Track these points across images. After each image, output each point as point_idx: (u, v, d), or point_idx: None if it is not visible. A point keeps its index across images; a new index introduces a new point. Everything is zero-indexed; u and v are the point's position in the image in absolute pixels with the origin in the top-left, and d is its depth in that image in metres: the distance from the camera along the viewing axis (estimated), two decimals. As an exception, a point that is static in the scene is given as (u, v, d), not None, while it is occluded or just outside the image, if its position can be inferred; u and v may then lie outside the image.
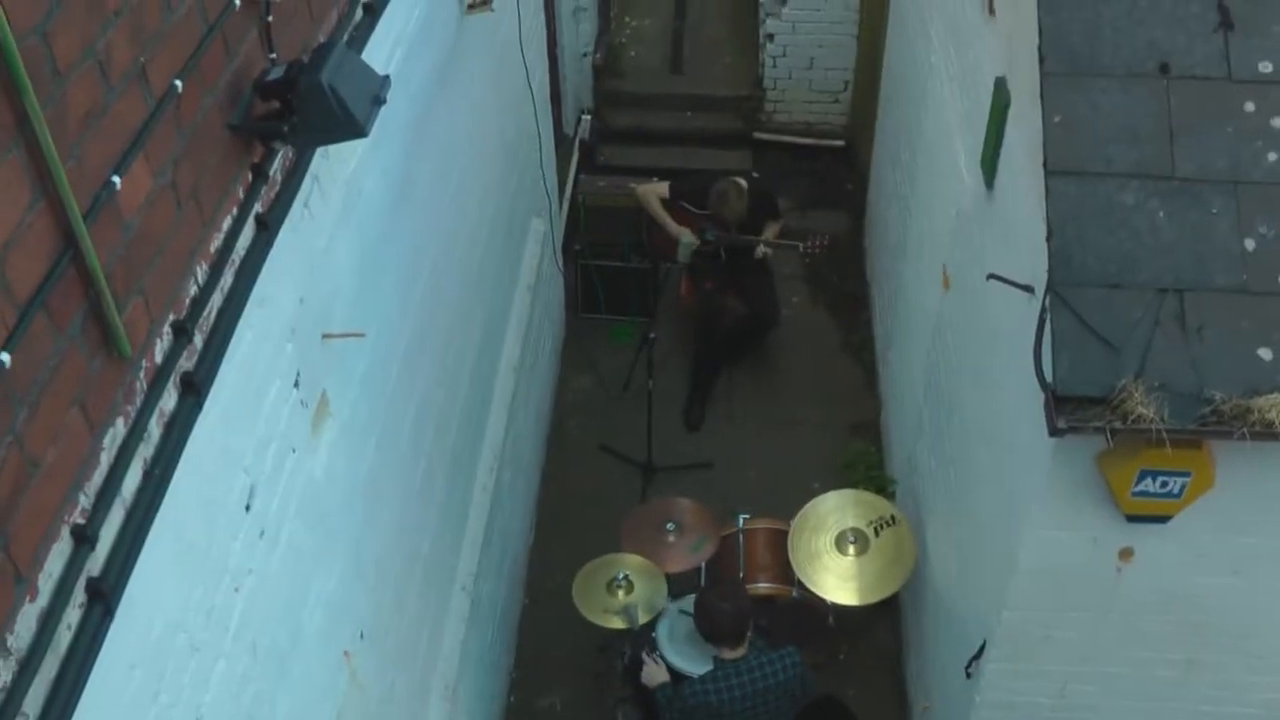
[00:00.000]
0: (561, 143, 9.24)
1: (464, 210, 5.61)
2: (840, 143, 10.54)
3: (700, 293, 8.40)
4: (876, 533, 6.07)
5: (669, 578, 6.10)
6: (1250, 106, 3.81)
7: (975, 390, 5.33)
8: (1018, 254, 4.36)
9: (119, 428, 2.33)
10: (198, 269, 2.69)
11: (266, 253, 3.00)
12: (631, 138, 10.32)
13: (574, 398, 8.62)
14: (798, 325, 8.99)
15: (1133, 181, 3.79)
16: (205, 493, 2.76)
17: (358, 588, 4.02)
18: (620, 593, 5.98)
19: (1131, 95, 3.86)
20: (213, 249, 2.77)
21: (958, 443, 5.68)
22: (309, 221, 3.41)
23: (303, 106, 2.85)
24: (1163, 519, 4.09)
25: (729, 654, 5.28)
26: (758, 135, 10.51)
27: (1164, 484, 3.93)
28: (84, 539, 2.17)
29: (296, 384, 3.36)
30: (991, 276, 4.54)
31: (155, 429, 2.47)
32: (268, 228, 3.01)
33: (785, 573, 6.14)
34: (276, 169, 3.12)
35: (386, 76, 3.11)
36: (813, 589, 5.95)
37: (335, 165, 3.62)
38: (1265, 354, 3.63)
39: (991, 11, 5.06)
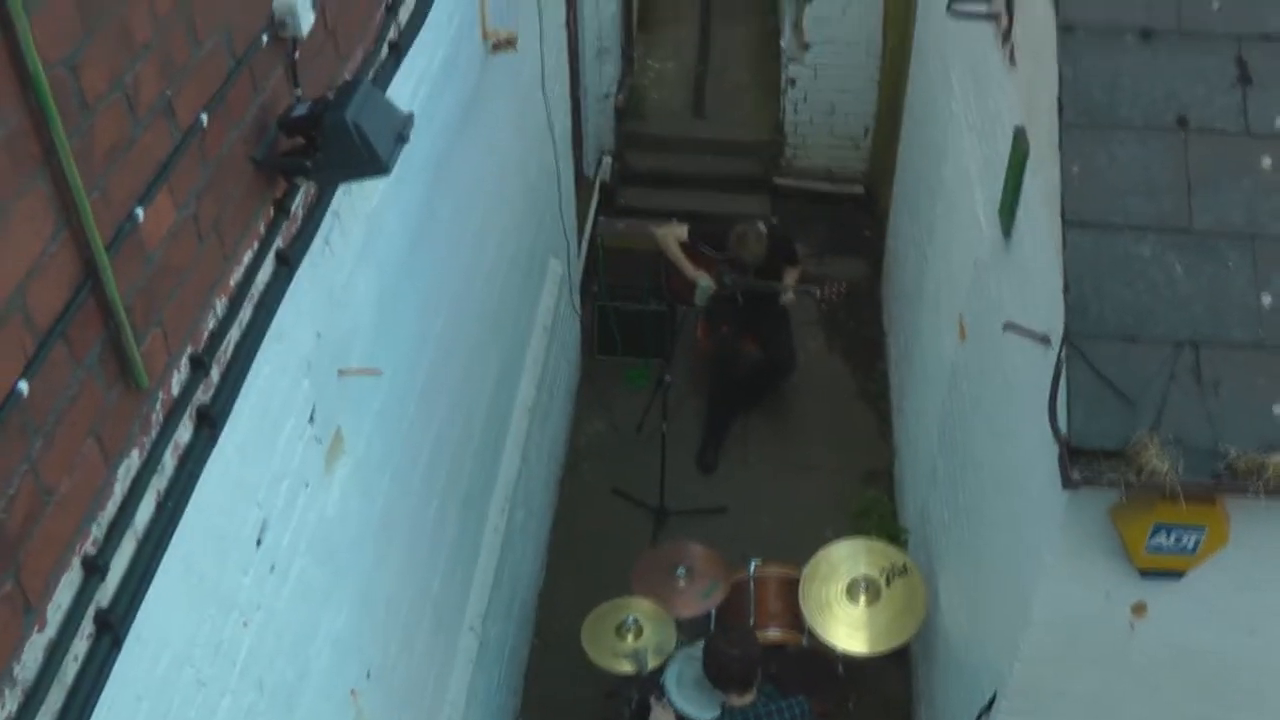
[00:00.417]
0: (582, 184, 9.29)
1: (483, 249, 5.63)
2: (860, 189, 10.56)
3: (716, 337, 8.40)
4: (888, 582, 6.03)
5: (679, 622, 6.06)
6: (1268, 161, 3.82)
7: (990, 440, 5.31)
8: (1034, 304, 4.35)
9: (134, 459, 2.34)
10: (217, 302, 2.70)
11: (286, 288, 3.02)
12: (652, 180, 10.35)
13: (588, 440, 8.61)
14: (813, 371, 8.98)
15: (1150, 234, 3.78)
16: (217, 526, 2.76)
17: (366, 626, 4.01)
18: (629, 637, 5.95)
19: (1149, 148, 3.86)
20: (232, 283, 2.78)
21: (971, 493, 5.65)
22: (329, 257, 3.43)
23: (327, 143, 2.87)
24: (1177, 574, 4.05)
25: (737, 701, 5.24)
26: (778, 180, 10.54)
27: (1178, 539, 3.90)
28: (94, 569, 2.17)
29: (312, 419, 3.36)
30: (1008, 327, 4.54)
31: (170, 461, 2.47)
32: (288, 263, 3.03)
33: (796, 620, 6.10)
34: (298, 204, 3.14)
35: (410, 114, 3.14)
36: (823, 637, 5.92)
37: (357, 202, 3.65)
38: (1281, 410, 3.62)
39: (1012, 61, 5.08)
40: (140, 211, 2.30)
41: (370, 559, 4.02)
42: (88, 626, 2.16)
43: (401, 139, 3.02)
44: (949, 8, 5.62)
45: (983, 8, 5.58)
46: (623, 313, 8.89)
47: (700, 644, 5.62)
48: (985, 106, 5.74)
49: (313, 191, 3.24)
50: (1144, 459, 3.58)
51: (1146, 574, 4.07)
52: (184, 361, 2.54)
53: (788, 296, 8.09)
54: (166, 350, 2.46)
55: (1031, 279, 4.51)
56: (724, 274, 7.94)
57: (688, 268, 8.12)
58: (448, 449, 5.13)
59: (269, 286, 2.95)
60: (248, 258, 2.86)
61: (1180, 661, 4.42)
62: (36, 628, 2.02)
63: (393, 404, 4.20)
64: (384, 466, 4.16)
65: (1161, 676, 4.49)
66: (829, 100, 10.29)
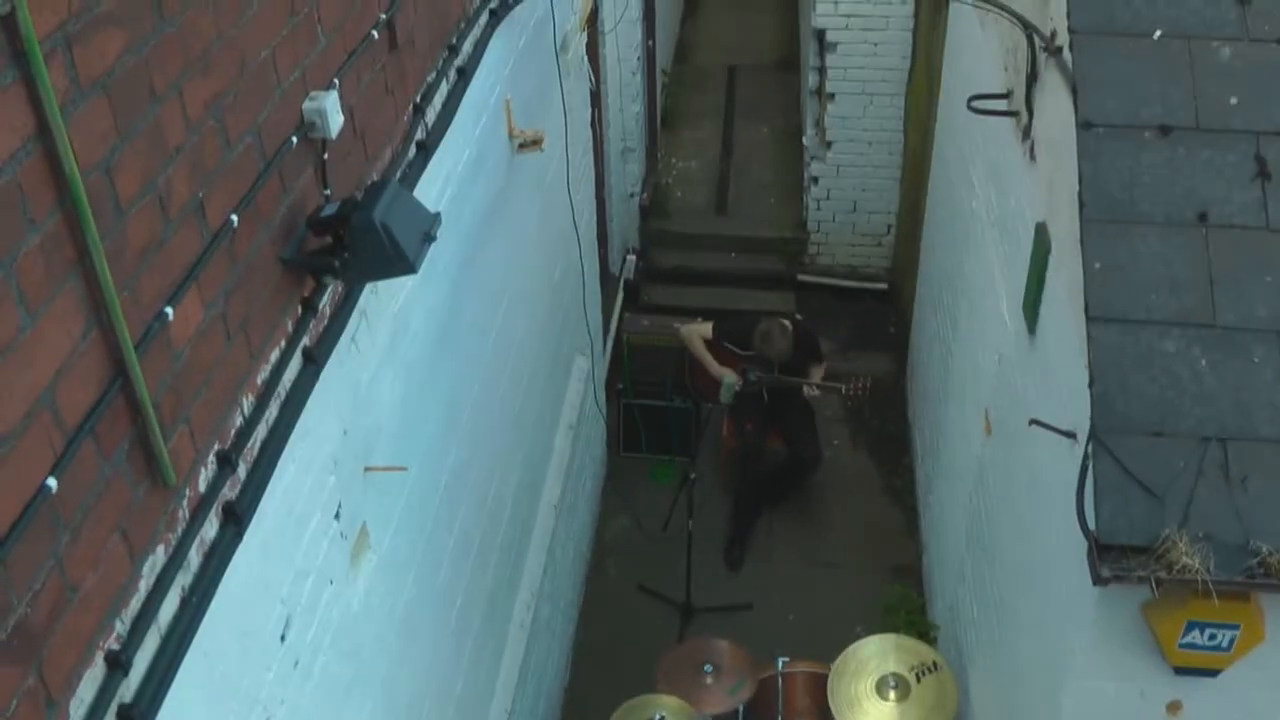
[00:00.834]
0: (607, 281, 9.36)
1: (508, 347, 5.67)
2: (883, 286, 10.61)
3: (741, 434, 8.39)
4: (918, 679, 5.96)
5: (705, 721, 6.00)
6: (1290, 257, 3.82)
7: (1017, 537, 5.26)
8: (1060, 400, 4.34)
9: (159, 555, 2.34)
10: (244, 400, 2.72)
11: (312, 386, 3.04)
12: (676, 278, 10.44)
13: (613, 536, 8.57)
14: (839, 467, 8.96)
15: (1174, 329, 3.78)
16: (241, 622, 2.76)
17: (390, 724, 3.98)
18: (656, 735, 5.88)
19: (1171, 243, 3.87)
20: (259, 380, 2.81)
21: (1000, 589, 5.59)
22: (355, 356, 3.46)
23: (355, 243, 2.90)
24: (1213, 673, 3.99)
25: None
26: (801, 277, 10.60)
27: (1212, 636, 3.84)
28: (118, 665, 2.17)
29: (337, 516, 3.37)
30: (1034, 422, 4.52)
31: (195, 557, 2.48)
32: (314, 361, 3.05)
33: (824, 717, 6.02)
34: (325, 303, 3.17)
35: (437, 214, 3.17)
36: (852, 736, 5.83)
37: (383, 300, 3.68)
38: (1312, 506, 3.58)
39: (1033, 157, 5.13)
40: (169, 311, 2.33)
41: (394, 655, 4.00)
42: (110, 723, 2.16)
43: (429, 238, 3.05)
44: (969, 103, 5.69)
45: (1002, 104, 5.65)
46: (648, 410, 8.91)
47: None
48: (1006, 203, 5.78)
49: (340, 290, 3.28)
50: (1173, 555, 3.54)
51: (1181, 671, 4.01)
52: (211, 459, 2.56)
53: (811, 391, 8.08)
54: (194, 447, 2.48)
55: (1056, 374, 4.50)
56: (749, 371, 7.96)
57: (713, 365, 8.14)
58: (473, 545, 5.12)
59: (296, 384, 2.97)
60: (275, 356, 2.89)
61: (1217, 762, 4.33)
62: (59, 724, 2.02)
63: (418, 500, 4.20)
64: (409, 563, 4.15)
65: (1198, 778, 4.39)
66: (851, 198, 10.38)
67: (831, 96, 9.93)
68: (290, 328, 2.98)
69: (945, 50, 8.19)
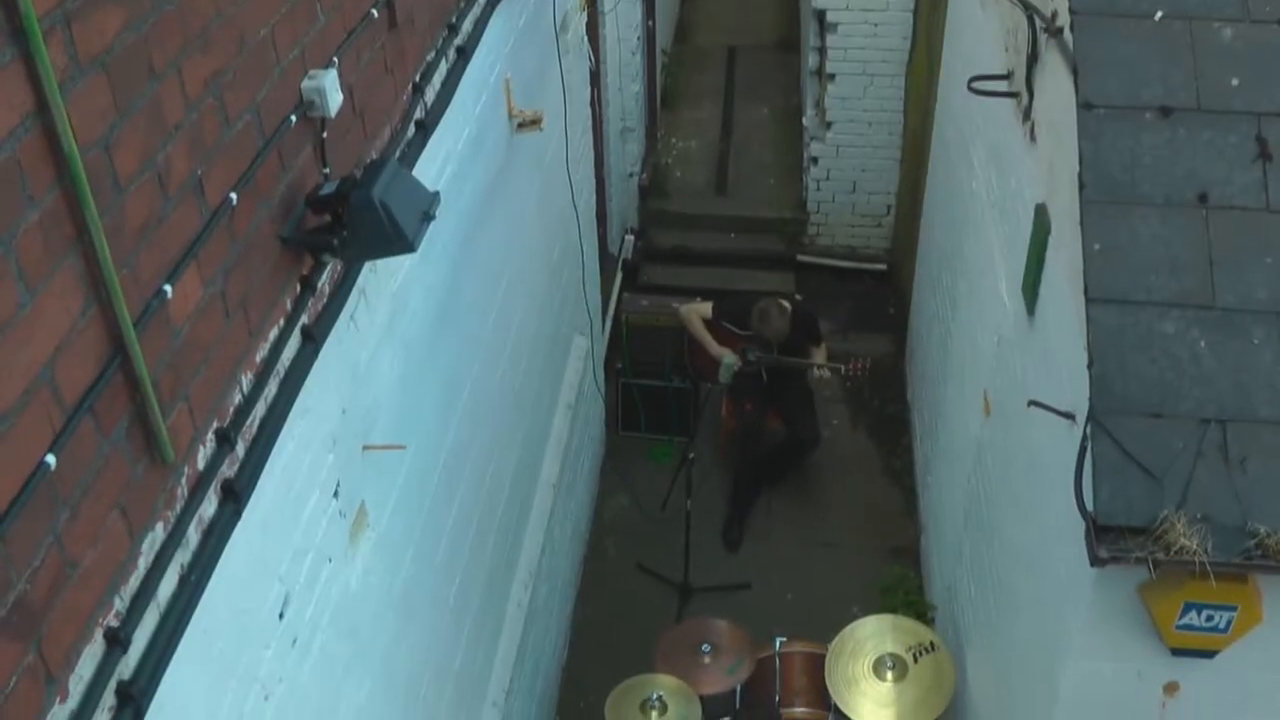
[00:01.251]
0: (606, 261, 9.35)
1: (507, 326, 5.67)
2: (882, 266, 10.60)
3: (740, 414, 8.40)
4: (915, 659, 5.97)
5: (703, 699, 6.01)
6: (1290, 238, 3.82)
7: (1015, 517, 5.27)
8: (1059, 381, 4.34)
9: (158, 532, 2.35)
10: (243, 378, 2.73)
11: (311, 364, 3.04)
12: (675, 258, 10.43)
13: (612, 516, 8.59)
14: (838, 448, 8.97)
15: (1173, 310, 3.78)
16: (239, 600, 2.77)
17: (387, 701, 3.99)
18: (654, 714, 5.90)
19: (1171, 224, 3.87)
20: (258, 359, 2.81)
21: (998, 569, 5.60)
22: (354, 334, 3.46)
23: (354, 221, 2.90)
24: (1210, 654, 4.00)
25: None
26: (800, 258, 10.59)
27: (1209, 618, 3.85)
28: (117, 641, 2.17)
29: (336, 494, 3.38)
30: (1032, 403, 4.53)
31: (194, 535, 2.48)
32: (313, 339, 3.05)
33: (821, 697, 6.04)
34: (324, 281, 3.17)
35: (436, 193, 3.17)
36: (849, 714, 5.85)
37: (382, 279, 3.68)
38: (1310, 487, 3.58)
39: (1033, 138, 5.12)
40: (169, 288, 2.33)
41: (392, 633, 4.01)
42: (109, 699, 2.16)
43: (428, 217, 3.05)
44: (969, 84, 5.68)
45: (1003, 85, 5.63)
46: (646, 389, 8.91)
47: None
48: (1006, 184, 5.77)
49: (339, 269, 3.28)
50: (1172, 536, 3.55)
51: (1178, 652, 4.02)
52: (209, 436, 2.56)
53: (818, 371, 8.09)
54: (192, 425, 2.48)
55: (1055, 355, 4.50)
56: (748, 351, 7.96)
57: (712, 345, 8.14)
58: (471, 524, 5.13)
59: (294, 363, 2.97)
60: (273, 334, 2.89)
61: (1213, 742, 4.34)
62: (58, 699, 2.02)
63: (416, 479, 4.21)
64: (407, 541, 4.16)
65: (1194, 758, 4.41)
66: (851, 178, 10.37)
67: (832, 77, 9.91)
68: (289, 306, 2.98)
69: (946, 31, 8.17)
